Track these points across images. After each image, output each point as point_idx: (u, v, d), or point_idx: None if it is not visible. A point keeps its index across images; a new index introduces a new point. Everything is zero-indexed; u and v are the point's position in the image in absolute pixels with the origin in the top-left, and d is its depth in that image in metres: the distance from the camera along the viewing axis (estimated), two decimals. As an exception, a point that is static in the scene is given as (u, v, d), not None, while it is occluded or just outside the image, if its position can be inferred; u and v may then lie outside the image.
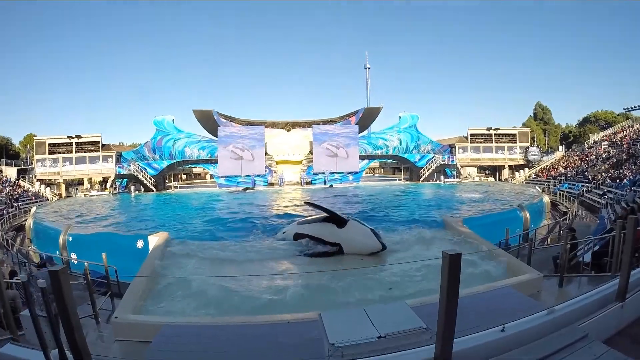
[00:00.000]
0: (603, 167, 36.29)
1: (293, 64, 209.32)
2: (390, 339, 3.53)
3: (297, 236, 14.90)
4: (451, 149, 54.94)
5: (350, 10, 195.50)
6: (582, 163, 43.31)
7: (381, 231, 14.49)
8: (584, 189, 31.77)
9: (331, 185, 49.03)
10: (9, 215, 28.70)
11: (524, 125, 73.39)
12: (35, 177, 49.50)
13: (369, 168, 59.74)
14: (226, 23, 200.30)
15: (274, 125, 53.48)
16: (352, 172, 52.57)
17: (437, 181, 50.77)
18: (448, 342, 3.18)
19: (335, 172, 51.75)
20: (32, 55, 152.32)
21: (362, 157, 53.12)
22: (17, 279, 9.92)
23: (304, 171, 52.21)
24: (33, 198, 41.54)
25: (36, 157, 50.74)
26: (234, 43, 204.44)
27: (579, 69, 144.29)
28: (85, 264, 13.42)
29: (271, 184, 50.47)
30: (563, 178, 39.71)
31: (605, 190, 27.77)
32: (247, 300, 8.92)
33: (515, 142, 55.27)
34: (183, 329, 6.05)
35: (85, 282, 9.14)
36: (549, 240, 18.10)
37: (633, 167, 32.24)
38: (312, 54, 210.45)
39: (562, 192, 32.42)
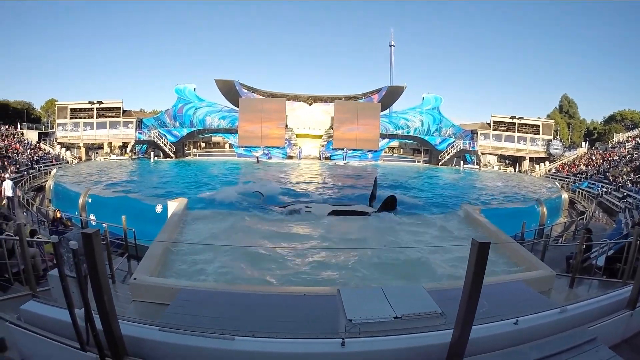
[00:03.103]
0: (625, 169, 35.52)
1: (317, 38, 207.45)
2: (406, 320, 3.60)
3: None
4: (473, 134, 54.19)
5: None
6: (604, 162, 42.28)
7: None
8: (604, 189, 31.06)
9: (346, 163, 48.88)
10: (30, 177, 29.14)
11: (548, 117, 71.79)
12: (56, 141, 50.11)
13: (388, 147, 59.69)
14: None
15: (295, 98, 53.41)
16: (372, 150, 52.49)
17: (457, 166, 50.39)
18: (467, 328, 3.25)
19: (355, 150, 51.65)
20: (54, 20, 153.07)
21: (382, 136, 52.92)
22: (38, 238, 10.22)
23: (323, 146, 52.31)
24: (53, 160, 41.99)
25: (57, 121, 51.31)
26: (257, 14, 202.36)
27: (610, 64, 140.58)
28: (105, 225, 13.81)
29: (290, 157, 50.74)
30: (583, 176, 38.93)
31: (625, 193, 27.25)
32: (264, 271, 9.06)
33: (539, 134, 53.91)
34: (200, 294, 6.18)
35: (104, 242, 9.29)
36: (563, 238, 17.96)
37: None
38: (337, 29, 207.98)
39: (581, 191, 31.84)
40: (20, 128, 50.35)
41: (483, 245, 3.03)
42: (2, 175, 25.29)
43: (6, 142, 40.16)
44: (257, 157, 48.28)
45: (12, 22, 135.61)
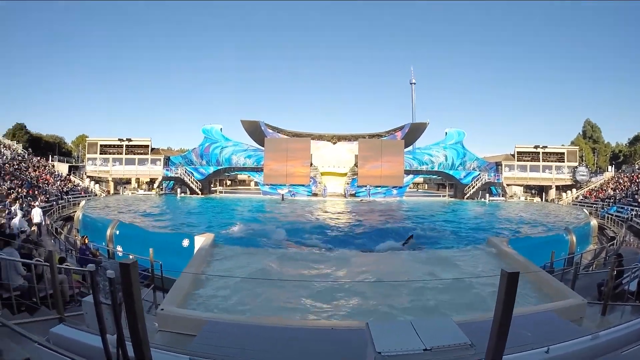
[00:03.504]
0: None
1: (340, 79, 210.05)
2: (436, 352, 3.61)
3: None
4: (497, 166, 53.87)
5: (395, 23, 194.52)
6: (632, 185, 41.33)
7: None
8: (633, 212, 30.23)
9: (370, 200, 48.63)
10: (59, 207, 29.89)
11: (572, 143, 71.00)
12: (85, 174, 51.75)
13: (413, 183, 59.45)
14: (276, 36, 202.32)
15: (320, 137, 54.32)
16: (396, 187, 52.45)
17: (482, 199, 50.00)
18: (497, 358, 3.26)
19: (379, 186, 51.69)
20: (89, 59, 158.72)
21: (407, 172, 52.99)
22: (67, 265, 10.48)
23: (348, 183, 52.60)
24: (82, 193, 43.31)
25: (87, 155, 53.19)
26: (282, 56, 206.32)
27: (631, 84, 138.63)
28: (132, 256, 14.09)
29: (315, 194, 51.01)
30: (612, 200, 38.07)
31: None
32: (290, 307, 9.10)
33: (563, 161, 53.34)
34: (227, 327, 6.27)
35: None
36: (594, 265, 17.60)
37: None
38: (359, 69, 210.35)
39: (610, 216, 31.04)
40: (52, 160, 51.97)
41: (512, 275, 3.08)
42: (33, 203, 26.05)
43: (37, 173, 41.47)
44: (282, 195, 48.57)
45: (48, 59, 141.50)
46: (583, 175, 51.83)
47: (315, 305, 9.30)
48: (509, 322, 3.19)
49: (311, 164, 52.08)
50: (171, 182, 51.31)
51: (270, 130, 53.20)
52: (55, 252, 7.33)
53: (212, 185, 54.34)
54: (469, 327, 4.41)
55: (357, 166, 52.53)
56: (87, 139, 57.28)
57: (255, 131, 52.66)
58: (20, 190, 31.48)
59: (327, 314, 8.77)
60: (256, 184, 54.80)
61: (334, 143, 54.33)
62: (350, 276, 12.25)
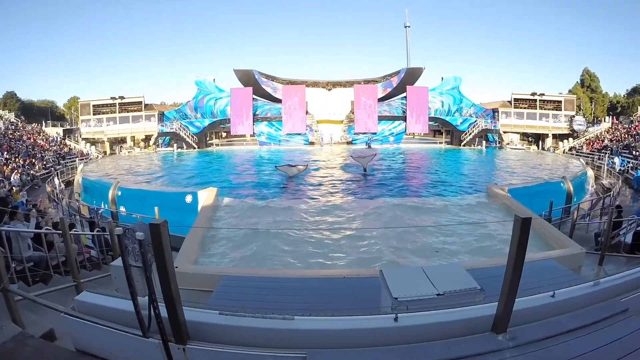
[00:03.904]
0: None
1: (333, 23, 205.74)
2: (448, 296, 3.80)
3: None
4: (494, 113, 53.57)
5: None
6: (629, 136, 41.40)
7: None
8: (630, 165, 30.43)
9: (369, 146, 48.90)
10: (57, 172, 29.63)
11: (570, 92, 70.35)
12: (80, 137, 51.32)
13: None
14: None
15: (315, 84, 53.37)
16: (393, 134, 52.51)
17: (479, 146, 50.06)
18: (510, 301, 3.47)
19: (376, 133, 51.97)
20: (73, 20, 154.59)
21: (403, 119, 52.78)
22: (75, 231, 10.61)
23: (344, 131, 52.25)
24: (79, 156, 43.03)
25: (81, 117, 52.46)
26: (273, 2, 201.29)
27: (631, 35, 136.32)
28: (138, 216, 14.27)
29: (312, 143, 50.89)
30: (609, 152, 38.15)
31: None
32: (300, 255, 9.32)
33: (561, 110, 53.05)
34: (241, 280, 6.42)
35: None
36: (590, 216, 17.90)
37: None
38: (353, 13, 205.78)
39: (606, 167, 31.31)
40: (45, 126, 51.58)
41: (525, 221, 3.23)
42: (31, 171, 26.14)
43: (32, 140, 41.26)
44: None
45: (31, 21, 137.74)
46: (580, 124, 51.63)
47: (321, 254, 9.55)
48: (522, 266, 3.39)
49: (307, 112, 51.71)
50: (167, 137, 50.80)
51: (264, 79, 52.22)
52: (65, 219, 7.33)
53: (207, 139, 53.91)
54: (477, 273, 4.60)
55: (353, 113, 52.22)
56: (79, 100, 56.36)
57: (250, 80, 51.75)
58: (17, 159, 31.41)
59: (338, 261, 9.01)
60: (252, 135, 54.50)
61: (329, 90, 53.57)
62: (357, 224, 12.50)
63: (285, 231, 10.96)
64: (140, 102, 52.28)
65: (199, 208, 14.10)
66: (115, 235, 5.30)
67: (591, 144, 45.94)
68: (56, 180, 25.13)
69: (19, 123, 49.18)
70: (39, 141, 42.61)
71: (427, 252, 9.53)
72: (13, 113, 54.41)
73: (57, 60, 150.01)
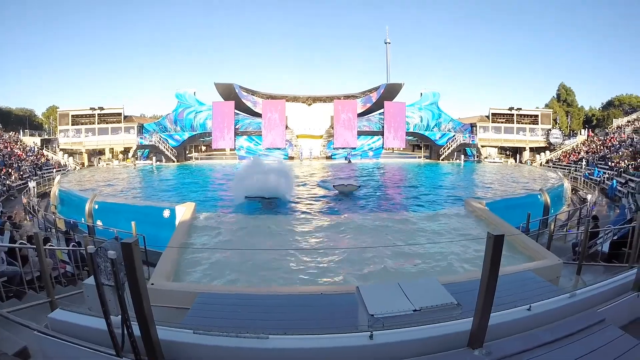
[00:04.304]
0: (626, 154, 35.53)
1: (314, 39, 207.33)
2: (425, 312, 3.79)
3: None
4: (472, 128, 54.27)
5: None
6: (604, 148, 42.41)
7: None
8: (605, 176, 31.10)
9: (349, 161, 49.25)
10: (34, 183, 29.12)
11: (547, 106, 71.74)
12: (58, 147, 50.37)
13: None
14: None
15: (295, 99, 53.37)
16: (372, 149, 52.80)
17: (457, 160, 50.57)
18: (485, 317, 3.47)
19: (355, 148, 52.03)
20: (54, 28, 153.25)
21: (382, 134, 52.99)
22: (50, 245, 10.39)
23: (324, 146, 52.38)
24: (56, 166, 42.49)
25: (59, 127, 51.69)
26: (253, 16, 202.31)
27: (605, 49, 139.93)
28: (115, 230, 14.05)
29: (291, 158, 50.85)
30: (585, 163, 38.93)
31: (627, 178, 27.20)
32: (277, 273, 9.24)
33: (538, 124, 54.01)
34: (218, 298, 6.33)
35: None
36: (567, 226, 18.13)
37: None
38: (333, 30, 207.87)
39: (582, 178, 31.90)
40: (23, 135, 50.79)
41: (498, 238, 3.24)
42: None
43: (9, 149, 40.55)
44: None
45: (12, 27, 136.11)
46: (556, 137, 52.60)
47: (301, 271, 9.50)
48: (496, 282, 3.39)
49: (287, 127, 51.67)
50: (146, 150, 50.26)
51: (245, 93, 52.11)
52: (40, 233, 7.16)
53: (187, 152, 53.46)
54: (453, 288, 4.61)
55: (332, 128, 52.34)
56: (58, 110, 55.53)
57: (230, 94, 51.54)
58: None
59: (314, 278, 8.96)
60: (232, 149, 54.18)
61: (309, 105, 53.57)
62: (336, 241, 12.47)
63: (264, 248, 10.89)
64: (119, 114, 51.68)
65: (177, 223, 13.93)
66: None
67: (568, 156, 46.80)
68: (32, 191, 24.71)
69: None
70: (15, 150, 41.86)
71: (404, 267, 9.55)
72: None
73: (36, 68, 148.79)
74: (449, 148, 52.12)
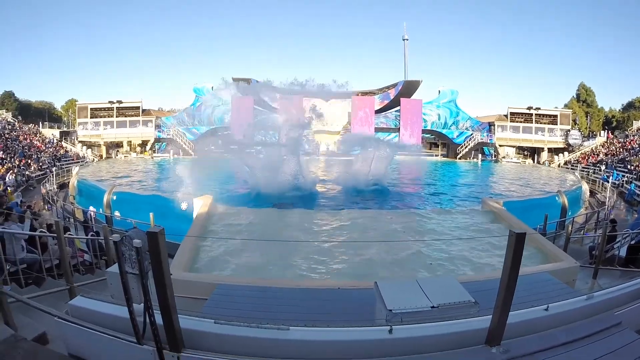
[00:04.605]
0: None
1: (331, 36, 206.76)
2: (443, 309, 3.82)
3: None
4: (490, 127, 53.84)
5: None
6: (624, 151, 41.75)
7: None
8: (624, 179, 30.68)
9: None
10: (52, 174, 29.66)
11: (566, 106, 70.84)
12: (77, 139, 51.21)
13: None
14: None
15: (313, 95, 52.99)
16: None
17: (475, 159, 50.33)
18: (504, 315, 3.50)
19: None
20: (75, 24, 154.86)
21: (399, 130, 52.68)
22: (69, 235, 10.54)
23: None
24: (75, 158, 43.08)
25: (78, 120, 52.55)
26: (271, 14, 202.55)
27: (627, 50, 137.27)
28: (133, 222, 14.20)
29: (308, 154, 50.71)
30: (604, 166, 38.37)
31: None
32: (295, 266, 9.28)
33: (556, 124, 53.34)
34: (237, 289, 6.36)
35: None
36: (585, 229, 17.97)
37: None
38: (352, 25, 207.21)
39: (600, 180, 31.45)
40: (42, 127, 51.60)
41: (520, 236, 3.27)
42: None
43: (29, 140, 41.21)
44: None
45: (32, 22, 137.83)
46: (576, 138, 51.90)
47: (319, 264, 9.52)
48: (516, 280, 3.42)
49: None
50: (164, 143, 50.83)
51: (263, 88, 51.91)
52: (60, 222, 7.27)
53: (204, 146, 53.53)
54: (471, 287, 4.62)
55: (349, 124, 52.19)
56: (77, 103, 56.35)
57: (248, 89, 51.39)
58: (13, 159, 31.33)
59: (331, 272, 8.99)
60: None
61: (327, 101, 53.48)
62: (351, 235, 12.45)
63: (282, 241, 10.90)
64: (138, 107, 52.35)
65: (194, 215, 14.02)
66: (111, 241, 5.27)
67: (586, 158, 46.16)
68: (49, 183, 25.10)
69: (16, 123, 49.02)
70: (35, 142, 42.59)
71: (422, 265, 9.53)
72: (10, 113, 54.08)
73: (56, 61, 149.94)
74: (466, 147, 51.93)
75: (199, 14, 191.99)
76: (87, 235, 13.17)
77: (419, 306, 3.84)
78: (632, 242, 10.16)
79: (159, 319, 3.42)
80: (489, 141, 52.52)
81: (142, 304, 3.41)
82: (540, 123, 53.50)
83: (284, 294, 6.04)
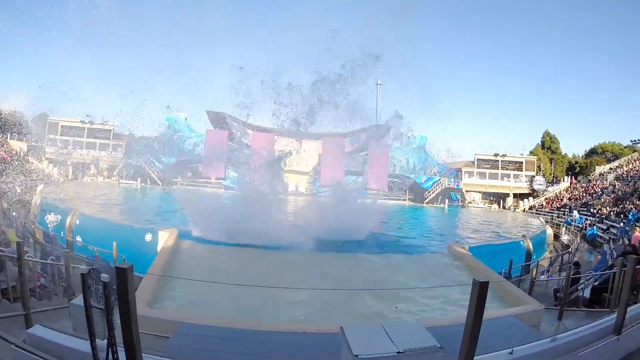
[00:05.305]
0: (608, 200, 36.20)
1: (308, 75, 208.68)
2: (408, 355, 3.78)
3: None
4: (457, 172, 55.03)
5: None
6: (586, 195, 43.28)
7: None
8: (587, 222, 31.56)
9: None
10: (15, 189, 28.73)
11: (531, 153, 72.77)
12: (44, 155, 49.93)
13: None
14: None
15: (285, 134, 53.21)
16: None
17: (442, 204, 50.98)
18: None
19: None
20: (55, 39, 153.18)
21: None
22: (28, 257, 10.16)
23: (310, 182, 52.30)
24: (40, 175, 41.86)
25: (47, 136, 51.49)
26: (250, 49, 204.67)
27: (590, 98, 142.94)
28: (95, 250, 13.80)
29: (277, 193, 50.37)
30: (567, 209, 39.55)
31: (609, 225, 27.62)
32: (258, 309, 9.11)
33: (522, 170, 55.23)
34: (201, 329, 6.22)
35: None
36: (549, 272, 18.27)
37: (638, 201, 31.74)
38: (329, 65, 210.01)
39: (566, 226, 32.23)
40: (10, 138, 50.15)
41: (483, 284, 3.32)
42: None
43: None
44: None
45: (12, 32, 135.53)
46: (540, 184, 53.61)
47: (283, 306, 9.38)
48: (479, 327, 3.44)
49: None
50: (132, 170, 50.09)
51: (236, 123, 52.30)
52: (22, 244, 7.00)
53: (173, 176, 53.11)
54: (437, 331, 4.61)
55: (319, 165, 52.39)
56: (48, 118, 55.24)
57: (222, 123, 51.83)
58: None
59: (295, 314, 8.86)
60: (219, 178, 53.97)
61: (299, 141, 53.72)
62: (316, 279, 12.31)
63: (247, 279, 10.72)
64: (109, 131, 51.77)
65: (159, 248, 13.68)
66: (75, 270, 5.13)
67: (551, 202, 47.48)
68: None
69: None
70: (1, 153, 41.28)
71: (387, 310, 9.48)
72: None
73: (30, 73, 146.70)
74: (434, 192, 52.66)
75: (176, 47, 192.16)
76: (45, 257, 12.72)
77: (385, 352, 3.80)
78: (596, 283, 10.40)
79: (121, 355, 3.32)
80: (456, 187, 53.59)
81: (106, 340, 3.32)
82: (507, 169, 55.19)
83: (250, 336, 5.94)
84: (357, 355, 3.69)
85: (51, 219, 17.73)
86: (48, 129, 51.91)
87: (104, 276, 3.14)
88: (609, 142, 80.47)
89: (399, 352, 3.81)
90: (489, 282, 3.40)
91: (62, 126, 51.33)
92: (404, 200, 56.13)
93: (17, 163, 40.41)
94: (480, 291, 3.34)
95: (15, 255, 6.92)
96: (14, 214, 21.59)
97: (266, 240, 15.64)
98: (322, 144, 51.83)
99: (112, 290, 3.20)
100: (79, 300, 3.45)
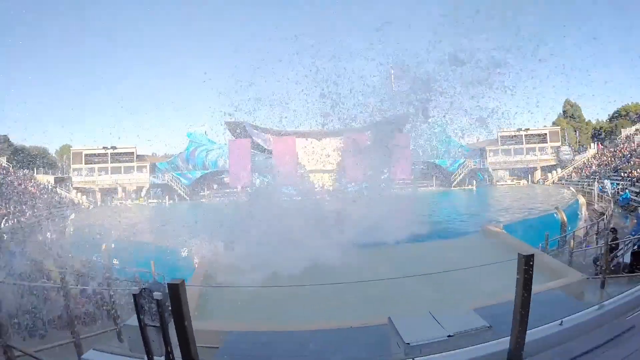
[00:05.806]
0: (638, 162, 35.17)
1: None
2: (459, 337, 3.81)
3: None
4: (482, 152, 54.28)
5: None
6: (615, 159, 42.21)
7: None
8: (619, 187, 30.82)
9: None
10: (48, 221, 29.39)
11: (554, 124, 71.65)
12: (72, 186, 51.11)
13: (396, 174, 58.87)
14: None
15: (305, 135, 53.30)
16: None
17: (470, 186, 50.43)
18: (522, 335, 3.49)
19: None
20: (67, 68, 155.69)
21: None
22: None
23: (335, 180, 52.01)
24: (70, 205, 42.88)
25: (73, 166, 52.63)
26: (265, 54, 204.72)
27: (607, 61, 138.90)
28: (134, 270, 14.05)
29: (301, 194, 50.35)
30: (597, 177, 38.62)
31: (642, 187, 26.85)
32: (303, 309, 9.15)
33: (546, 142, 54.19)
34: (248, 336, 6.27)
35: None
36: (586, 242, 17.94)
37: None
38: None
39: (597, 193, 31.51)
40: (37, 172, 51.27)
41: (528, 257, 3.35)
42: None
43: (23, 186, 40.94)
44: None
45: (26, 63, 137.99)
46: (566, 154, 52.45)
47: (325, 304, 9.39)
48: (529, 300, 3.46)
49: (298, 162, 51.49)
50: (159, 189, 50.88)
51: (256, 131, 52.55)
52: (64, 274, 7.16)
53: (199, 190, 53.79)
54: (484, 312, 4.63)
55: (343, 162, 51.87)
56: (71, 149, 56.47)
57: (241, 133, 52.19)
58: (8, 205, 31.15)
59: (341, 311, 8.86)
60: (243, 187, 54.13)
61: (319, 140, 53.59)
62: (355, 272, 12.27)
63: (285, 285, 10.75)
64: (132, 153, 52.55)
65: (196, 262, 13.83)
66: (125, 292, 5.23)
67: (579, 171, 46.43)
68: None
69: (10, 168, 48.37)
70: (29, 188, 42.31)
71: (431, 296, 9.43)
72: (5, 157, 53.63)
73: (50, 105, 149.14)
74: (460, 174, 52.07)
75: (189, 60, 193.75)
76: (87, 284, 12.99)
77: (436, 337, 3.84)
78: (635, 248, 10.19)
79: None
80: (481, 167, 52.80)
81: (163, 356, 3.39)
82: (531, 143, 54.05)
83: (297, 337, 5.97)
84: (408, 343, 3.73)
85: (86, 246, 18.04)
86: (72, 159, 52.83)
87: (157, 294, 3.20)
88: (632, 102, 78.06)
89: (449, 336, 3.85)
90: (533, 254, 3.41)
91: (85, 155, 52.22)
92: (431, 186, 55.57)
93: (45, 196, 41.36)
94: (527, 264, 3.37)
95: (59, 285, 7.11)
96: (49, 244, 22.06)
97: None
98: (343, 140, 51.45)
99: (165, 307, 3.26)
100: (132, 320, 3.53)
